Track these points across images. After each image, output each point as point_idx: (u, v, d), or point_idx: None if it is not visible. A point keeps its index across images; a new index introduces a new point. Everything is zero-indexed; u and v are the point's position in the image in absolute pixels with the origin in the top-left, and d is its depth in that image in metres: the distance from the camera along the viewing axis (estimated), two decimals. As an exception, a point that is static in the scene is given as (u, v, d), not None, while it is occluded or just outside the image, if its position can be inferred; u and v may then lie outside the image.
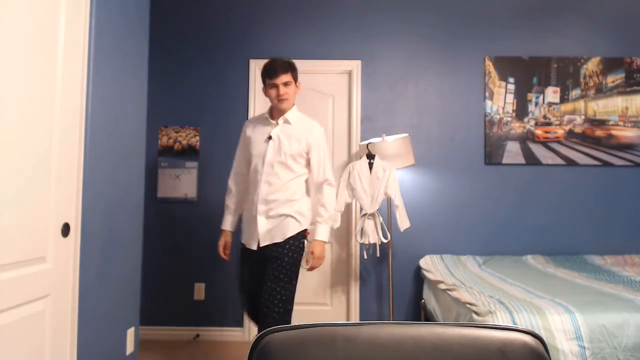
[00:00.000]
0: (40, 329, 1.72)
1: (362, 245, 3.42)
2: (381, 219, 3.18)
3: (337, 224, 3.17)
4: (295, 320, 3.65)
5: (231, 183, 2.55)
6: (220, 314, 3.59)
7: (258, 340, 0.75)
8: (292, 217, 2.36)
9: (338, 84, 3.75)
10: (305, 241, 2.40)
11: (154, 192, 3.65)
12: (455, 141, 3.69)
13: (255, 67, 3.69)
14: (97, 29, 2.05)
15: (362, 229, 3.15)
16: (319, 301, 3.66)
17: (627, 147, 3.67)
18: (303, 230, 2.39)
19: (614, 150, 3.67)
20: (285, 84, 2.34)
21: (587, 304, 2.13)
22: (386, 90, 3.72)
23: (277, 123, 2.40)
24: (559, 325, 1.98)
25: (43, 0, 1.70)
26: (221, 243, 2.50)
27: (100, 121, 2.12)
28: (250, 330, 3.59)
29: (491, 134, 3.67)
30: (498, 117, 3.69)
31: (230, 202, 2.54)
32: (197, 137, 3.69)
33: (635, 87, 3.69)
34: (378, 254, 3.25)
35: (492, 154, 3.66)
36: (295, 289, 2.35)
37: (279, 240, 2.34)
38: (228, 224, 2.53)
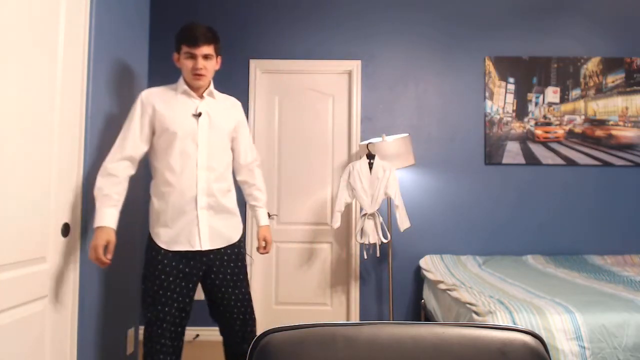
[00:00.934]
0: (40, 329, 1.72)
1: (362, 245, 3.42)
2: (381, 219, 3.18)
3: (337, 224, 3.17)
4: (295, 320, 3.66)
5: (115, 167, 1.91)
6: (220, 314, 3.59)
7: (258, 340, 0.75)
8: (235, 211, 2.10)
9: (338, 84, 3.75)
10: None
11: (154, 192, 3.65)
12: (455, 141, 3.68)
13: (256, 67, 3.69)
14: (97, 29, 2.05)
15: (362, 229, 3.15)
16: (319, 301, 3.66)
17: (627, 147, 3.67)
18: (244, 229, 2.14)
19: (614, 150, 3.67)
20: (206, 56, 1.97)
21: (587, 304, 2.13)
22: (386, 90, 3.72)
23: (203, 97, 2.04)
24: (559, 325, 1.98)
25: (43, 1, 1.70)
26: (101, 243, 1.81)
27: (101, 121, 2.12)
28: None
29: (491, 134, 3.67)
30: (498, 117, 3.69)
31: (114, 190, 1.88)
32: (197, 137, 3.68)
33: (635, 87, 3.69)
34: (378, 254, 3.25)
35: (492, 154, 3.66)
36: None
37: (234, 240, 2.06)
38: (111, 219, 1.87)
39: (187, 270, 1.98)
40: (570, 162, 3.66)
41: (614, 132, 3.68)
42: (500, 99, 3.70)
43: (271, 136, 3.72)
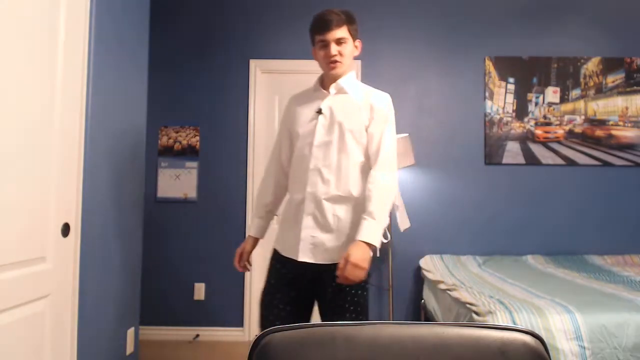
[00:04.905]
0: (40, 329, 1.72)
1: (362, 245, 3.42)
2: (381, 219, 3.18)
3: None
4: (296, 320, 3.64)
5: (268, 173, 1.91)
6: (220, 314, 3.59)
7: (258, 340, 0.75)
8: (347, 225, 1.72)
9: (338, 84, 3.75)
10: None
11: (154, 192, 3.65)
12: (455, 141, 3.69)
13: (256, 67, 3.69)
14: (98, 30, 2.05)
15: (362, 229, 3.15)
16: (319, 301, 3.65)
17: (627, 147, 3.67)
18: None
19: (614, 150, 3.67)
20: (339, 41, 1.72)
21: (587, 304, 2.13)
22: (386, 90, 3.69)
23: (329, 92, 1.79)
24: (559, 325, 1.98)
25: (43, 1, 1.70)
26: (238, 250, 1.86)
27: (101, 121, 2.12)
28: (250, 330, 3.59)
29: (491, 134, 3.67)
30: (498, 117, 3.69)
31: (264, 200, 1.88)
32: (197, 137, 3.69)
33: (635, 87, 3.69)
34: (378, 254, 3.24)
35: (492, 154, 3.66)
36: None
37: (337, 259, 1.68)
38: (255, 228, 1.88)
39: (291, 276, 1.74)
40: (570, 162, 3.66)
41: (614, 132, 3.68)
42: (500, 99, 3.70)
43: (271, 136, 3.71)
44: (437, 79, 3.72)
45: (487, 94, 3.69)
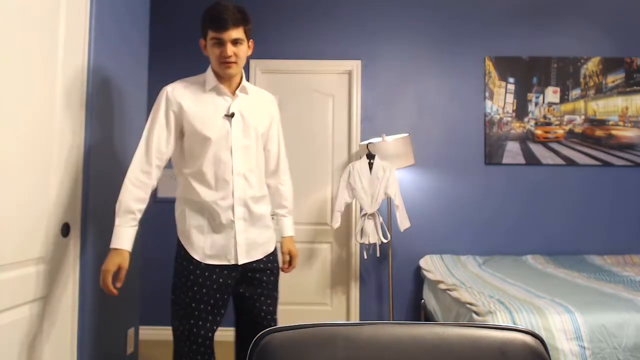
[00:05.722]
0: (40, 329, 1.72)
1: (362, 245, 3.42)
2: (381, 219, 3.18)
3: (337, 224, 3.17)
4: (295, 320, 3.65)
5: (141, 179, 1.71)
6: (220, 314, 3.59)
7: (258, 340, 0.75)
8: (270, 219, 1.90)
9: (338, 84, 3.76)
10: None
11: (154, 192, 3.65)
12: (455, 141, 3.68)
13: (256, 67, 3.69)
14: (98, 29, 2.05)
15: (362, 229, 3.15)
16: (319, 301, 3.66)
17: (627, 147, 3.67)
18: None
19: (614, 150, 3.67)
20: (235, 41, 1.70)
21: (587, 304, 2.13)
22: (386, 90, 3.72)
23: (236, 94, 1.79)
24: (559, 325, 1.98)
25: (43, 1, 1.70)
26: (112, 268, 1.62)
27: (101, 121, 2.12)
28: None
29: (491, 134, 3.67)
30: (498, 117, 3.69)
31: (137, 207, 1.70)
32: (197, 137, 3.68)
33: (635, 87, 3.69)
34: (378, 254, 3.25)
35: (492, 154, 3.66)
36: None
37: (270, 250, 1.86)
38: (129, 241, 1.69)
39: (221, 281, 1.75)
40: (570, 162, 3.66)
41: (614, 132, 3.68)
42: (500, 99, 3.70)
43: (271, 136, 3.72)
44: (437, 79, 3.72)
45: (487, 94, 3.69)
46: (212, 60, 1.75)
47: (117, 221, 1.69)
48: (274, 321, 1.88)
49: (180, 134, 1.78)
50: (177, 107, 1.75)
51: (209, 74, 1.79)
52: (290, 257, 2.00)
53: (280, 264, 1.96)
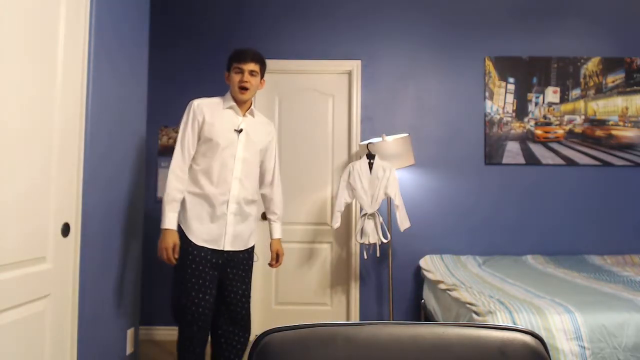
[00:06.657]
0: (40, 329, 1.72)
1: (362, 245, 3.42)
2: (381, 219, 3.18)
3: (337, 224, 3.17)
4: (295, 320, 3.66)
5: (181, 174, 2.18)
6: (220, 314, 3.59)
7: (258, 340, 0.75)
8: (256, 220, 2.35)
9: (338, 84, 3.76)
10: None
11: (154, 192, 3.65)
12: (455, 141, 3.69)
13: (255, 67, 3.69)
14: (97, 29, 2.06)
15: (362, 229, 3.15)
16: (319, 301, 3.66)
17: (627, 147, 3.67)
18: None
19: (614, 150, 3.67)
20: (252, 72, 2.20)
21: (587, 304, 2.13)
22: (386, 90, 3.72)
23: (245, 115, 2.27)
24: (559, 325, 1.98)
25: (43, 1, 1.70)
26: (170, 245, 2.12)
27: (100, 121, 2.12)
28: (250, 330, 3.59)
29: (491, 134, 3.67)
30: (498, 117, 3.69)
31: (178, 197, 2.16)
32: (197, 137, 3.68)
33: (635, 87, 3.69)
34: (378, 254, 3.25)
35: (492, 154, 3.66)
36: None
37: (250, 245, 2.31)
38: (176, 221, 2.16)
39: (213, 260, 2.18)
40: (570, 162, 3.66)
41: (614, 132, 3.68)
42: (500, 99, 3.70)
43: (271, 136, 3.72)
44: (437, 79, 3.72)
45: (487, 94, 3.69)
46: (231, 87, 2.24)
47: (167, 208, 2.13)
48: (246, 297, 2.29)
49: (199, 138, 2.21)
50: (201, 117, 2.20)
51: (228, 97, 2.27)
52: (278, 255, 2.44)
53: (269, 261, 2.44)
